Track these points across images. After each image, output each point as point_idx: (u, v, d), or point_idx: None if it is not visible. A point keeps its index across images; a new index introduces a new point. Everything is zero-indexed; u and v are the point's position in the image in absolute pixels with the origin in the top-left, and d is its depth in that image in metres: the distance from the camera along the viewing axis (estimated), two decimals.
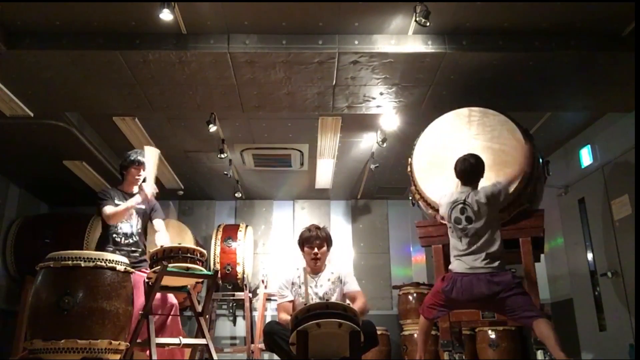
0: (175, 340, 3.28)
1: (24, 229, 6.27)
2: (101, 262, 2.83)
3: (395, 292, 6.89)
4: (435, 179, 3.81)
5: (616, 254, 4.74)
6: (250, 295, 6.85)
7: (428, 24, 3.33)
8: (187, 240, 6.25)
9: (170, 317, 3.59)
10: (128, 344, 3.01)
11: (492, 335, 5.69)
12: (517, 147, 3.66)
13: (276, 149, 5.95)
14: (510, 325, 5.07)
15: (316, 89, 4.31)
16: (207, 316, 4.01)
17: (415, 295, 6.36)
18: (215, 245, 6.59)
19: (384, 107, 4.65)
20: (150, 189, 3.62)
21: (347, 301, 3.44)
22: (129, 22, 3.63)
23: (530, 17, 3.62)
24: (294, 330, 2.73)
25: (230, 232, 6.69)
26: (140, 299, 3.33)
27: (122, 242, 3.61)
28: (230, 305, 7.08)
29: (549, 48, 3.82)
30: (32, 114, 4.60)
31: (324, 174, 6.53)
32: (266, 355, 6.75)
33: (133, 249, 3.64)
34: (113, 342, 2.78)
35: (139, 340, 3.18)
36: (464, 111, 3.99)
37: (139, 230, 3.73)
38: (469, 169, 3.35)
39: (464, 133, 3.91)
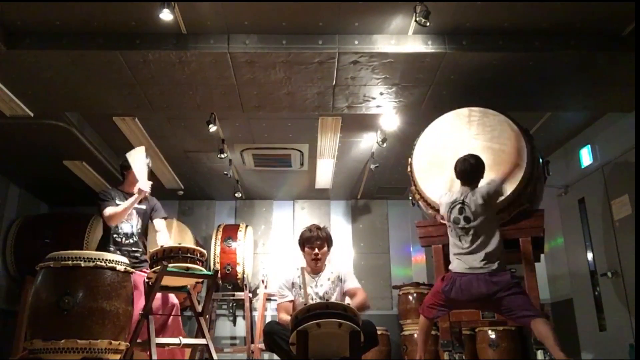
0: (175, 340, 3.28)
1: (24, 229, 6.27)
2: (101, 262, 2.84)
3: (395, 292, 6.89)
4: (435, 179, 3.81)
5: (616, 254, 4.74)
6: (250, 295, 6.85)
7: (428, 24, 3.33)
8: (187, 240, 6.25)
9: (171, 317, 3.59)
10: (128, 344, 3.01)
11: (492, 335, 5.69)
12: (510, 138, 3.66)
13: (276, 149, 5.95)
14: (510, 325, 5.07)
15: (316, 89, 4.31)
16: (207, 316, 4.01)
17: (415, 295, 6.36)
18: (215, 245, 6.58)
19: (384, 107, 4.65)
20: (145, 186, 3.61)
21: (348, 299, 3.45)
22: (129, 22, 3.63)
23: (530, 17, 3.62)
24: (294, 330, 2.73)
25: (230, 232, 6.68)
26: (141, 300, 3.33)
27: (123, 242, 3.62)
28: (230, 305, 7.08)
29: (549, 48, 3.82)
30: (32, 114, 4.60)
31: (324, 174, 6.53)
32: (266, 355, 6.75)
33: (134, 249, 3.65)
34: (113, 342, 2.78)
35: (139, 340, 3.19)
36: (464, 111, 3.99)
37: (139, 231, 3.74)
38: (469, 169, 3.36)
39: (464, 133, 3.91)
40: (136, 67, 3.95)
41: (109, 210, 3.53)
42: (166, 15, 3.32)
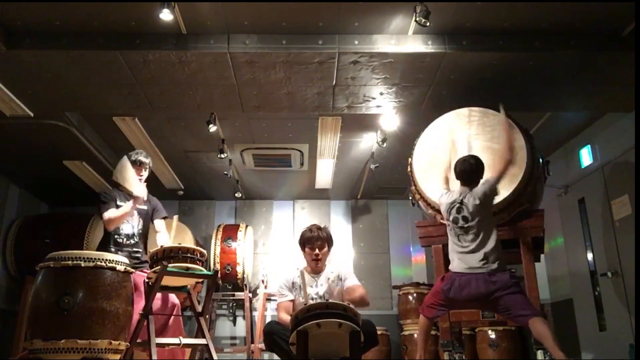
0: (176, 340, 3.28)
1: (24, 229, 6.27)
2: (101, 262, 2.84)
3: (395, 292, 6.89)
4: (435, 179, 3.81)
5: (616, 254, 4.74)
6: (250, 295, 6.85)
7: (428, 24, 3.33)
8: (187, 240, 6.25)
9: (172, 317, 3.59)
10: (128, 344, 3.01)
11: (492, 335, 5.69)
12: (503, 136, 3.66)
13: (276, 149, 5.95)
14: (510, 325, 5.07)
15: (316, 89, 4.31)
16: (207, 316, 4.01)
17: (415, 295, 6.36)
18: (215, 245, 6.58)
19: (384, 107, 4.65)
20: (140, 192, 3.63)
21: (346, 294, 3.44)
22: (129, 22, 3.63)
23: (530, 17, 3.62)
24: (294, 330, 2.73)
25: (230, 232, 6.68)
26: (142, 300, 3.33)
27: (124, 242, 3.62)
28: (230, 305, 7.08)
29: (549, 48, 3.82)
30: (32, 114, 4.60)
31: (324, 174, 6.53)
32: (266, 355, 6.75)
33: (135, 249, 3.66)
34: (113, 342, 2.78)
35: (139, 340, 3.19)
36: (464, 111, 3.99)
37: (140, 231, 3.74)
38: (469, 170, 3.37)
39: (464, 133, 3.91)
40: (136, 67, 3.95)
41: (107, 215, 3.54)
42: (166, 15, 3.32)
